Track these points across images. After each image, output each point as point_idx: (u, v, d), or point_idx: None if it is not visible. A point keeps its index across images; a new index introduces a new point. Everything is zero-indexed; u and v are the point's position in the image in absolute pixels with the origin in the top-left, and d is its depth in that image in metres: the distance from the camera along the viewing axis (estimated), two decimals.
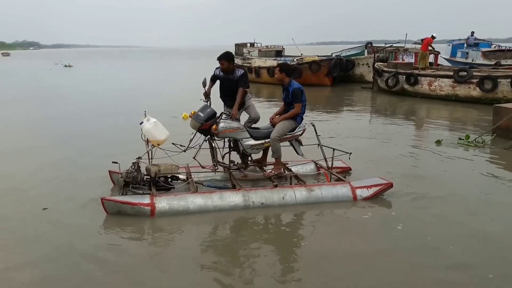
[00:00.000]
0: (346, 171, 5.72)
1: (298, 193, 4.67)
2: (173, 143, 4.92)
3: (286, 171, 5.29)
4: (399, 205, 4.68)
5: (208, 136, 5.00)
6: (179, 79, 24.61)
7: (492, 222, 4.24)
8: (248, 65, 21.91)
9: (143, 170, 4.83)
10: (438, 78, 13.36)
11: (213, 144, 5.05)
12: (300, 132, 5.17)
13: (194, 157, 4.86)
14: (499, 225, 4.17)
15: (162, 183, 4.86)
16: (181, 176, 5.09)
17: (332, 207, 4.60)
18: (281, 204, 4.62)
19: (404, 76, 14.13)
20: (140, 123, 4.84)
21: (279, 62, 5.18)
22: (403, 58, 17.92)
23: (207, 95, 5.22)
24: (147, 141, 4.82)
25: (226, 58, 5.18)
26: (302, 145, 5.27)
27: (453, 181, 5.53)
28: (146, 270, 3.39)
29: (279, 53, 24.69)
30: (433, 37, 15.06)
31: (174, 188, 4.90)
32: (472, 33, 21.48)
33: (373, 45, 20.73)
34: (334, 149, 5.24)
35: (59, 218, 4.40)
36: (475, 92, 12.41)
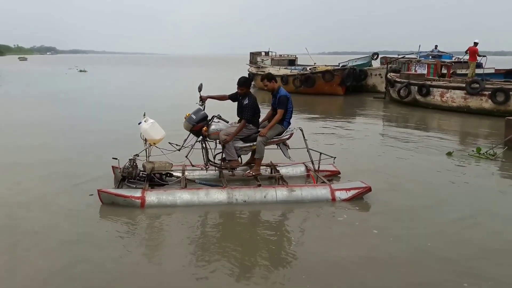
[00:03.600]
0: (335, 174, 6.11)
1: (279, 193, 5.14)
2: (169, 143, 5.45)
3: (274, 172, 5.90)
4: (384, 210, 4.98)
5: (201, 137, 5.53)
6: (186, 84, 25.43)
7: (492, 234, 4.36)
8: (262, 73, 22.51)
9: (140, 166, 5.47)
10: (450, 90, 13.65)
11: (204, 145, 5.56)
12: (287, 136, 5.65)
13: (186, 156, 5.43)
14: (499, 239, 4.26)
15: (156, 179, 5.46)
16: (175, 174, 5.72)
17: (310, 207, 5.02)
18: (263, 202, 5.10)
19: (416, 87, 14.45)
20: (139, 123, 5.44)
21: (266, 72, 5.71)
22: (416, 69, 18.30)
23: (202, 99, 5.66)
24: (145, 140, 5.43)
25: (244, 85, 5.64)
26: (289, 148, 5.75)
27: (454, 191, 5.74)
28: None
29: (292, 62, 25.29)
30: (476, 44, 15.37)
31: (167, 184, 5.48)
32: (436, 46, 23.89)
33: (386, 56, 21.17)
34: (320, 153, 5.73)
35: (64, 205, 5.06)
36: (487, 104, 12.68)
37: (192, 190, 5.21)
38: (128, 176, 5.38)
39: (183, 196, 5.08)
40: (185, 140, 5.51)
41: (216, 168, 5.73)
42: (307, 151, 5.70)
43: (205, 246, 4.11)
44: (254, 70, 24.54)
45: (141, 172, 5.48)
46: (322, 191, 5.19)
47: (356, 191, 5.19)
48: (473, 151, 7.70)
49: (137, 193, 5.02)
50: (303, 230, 4.59)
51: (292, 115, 5.73)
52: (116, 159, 5.43)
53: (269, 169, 6.07)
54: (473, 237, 4.31)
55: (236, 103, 5.79)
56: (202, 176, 5.89)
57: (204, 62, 74.86)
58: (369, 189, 5.24)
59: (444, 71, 17.75)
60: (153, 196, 5.03)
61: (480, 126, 11.37)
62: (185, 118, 5.44)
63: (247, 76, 5.14)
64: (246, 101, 5.58)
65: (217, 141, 5.61)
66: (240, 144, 5.57)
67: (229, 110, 6.11)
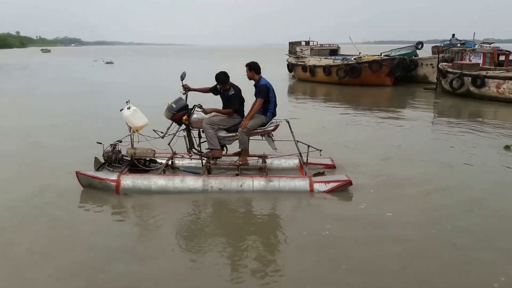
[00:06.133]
0: (330, 168, 6.40)
1: (256, 182, 5.47)
2: (153, 130, 5.92)
3: (263, 163, 6.24)
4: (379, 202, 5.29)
5: (184, 125, 5.94)
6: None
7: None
8: (303, 63, 23.29)
9: (124, 152, 6.02)
10: (507, 80, 13.86)
11: (188, 133, 6.02)
12: (271, 128, 5.93)
13: (168, 144, 5.89)
14: None
15: (139, 165, 5.94)
16: (159, 160, 6.25)
17: (286, 197, 5.40)
18: (239, 191, 5.44)
19: (470, 78, 14.76)
20: (121, 110, 5.94)
21: (252, 61, 6.13)
22: (470, 58, 18.59)
23: (185, 88, 6.08)
24: (130, 127, 5.94)
25: (225, 82, 5.94)
26: (274, 140, 6.04)
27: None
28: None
29: (334, 51, 25.95)
30: None
31: (151, 170, 5.98)
32: (453, 35, 27.11)
33: (437, 45, 21.49)
34: (308, 146, 6.02)
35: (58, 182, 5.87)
36: None
37: (168, 176, 5.65)
38: (107, 160, 5.91)
39: (158, 181, 5.46)
40: (168, 128, 5.95)
41: (199, 157, 6.12)
42: (295, 143, 5.95)
43: (159, 232, 4.55)
44: (293, 61, 25.35)
45: (123, 157, 6.04)
46: (300, 183, 5.47)
47: (336, 184, 5.44)
48: None
49: (113, 177, 5.48)
50: (273, 217, 5.02)
51: (275, 106, 6.00)
52: (101, 143, 5.90)
53: (260, 160, 6.34)
54: None
55: (218, 96, 6.18)
56: (192, 165, 6.30)
57: (240, 53, 75.34)
58: (349, 183, 5.50)
59: (502, 58, 17.90)
60: (128, 180, 5.45)
61: None
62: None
63: (224, 72, 5.71)
64: (232, 92, 5.94)
65: (201, 130, 6.00)
66: (223, 133, 5.94)
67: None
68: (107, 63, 44.23)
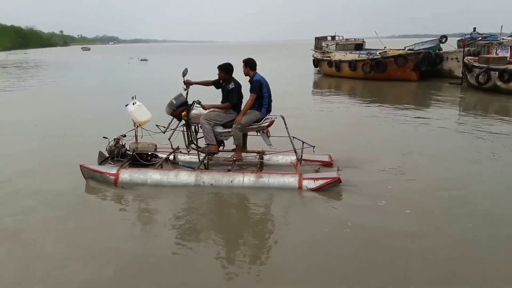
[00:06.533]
0: (326, 165, 6.43)
1: (246, 178, 5.63)
2: (156, 125, 6.17)
3: (260, 158, 6.35)
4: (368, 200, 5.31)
5: (183, 121, 6.07)
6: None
7: None
8: (328, 58, 23.17)
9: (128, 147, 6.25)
10: None
11: (187, 129, 6.13)
12: (266, 123, 5.95)
13: (169, 139, 6.09)
14: None
15: (139, 159, 6.15)
16: (160, 155, 6.46)
17: (275, 194, 5.52)
18: (229, 186, 5.61)
19: (497, 72, 14.30)
20: (126, 105, 6.16)
21: (248, 58, 6.17)
22: (497, 52, 17.97)
23: (186, 84, 6.13)
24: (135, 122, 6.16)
25: (222, 69, 6.07)
26: (270, 136, 6.05)
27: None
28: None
29: (359, 46, 25.61)
30: None
31: (152, 164, 6.18)
32: (474, 28, 27.97)
33: (463, 38, 20.88)
34: (303, 142, 6.06)
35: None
36: None
37: (163, 171, 5.90)
38: (111, 154, 6.19)
39: (154, 176, 5.76)
40: (169, 123, 6.17)
41: (198, 152, 6.25)
42: (290, 139, 5.98)
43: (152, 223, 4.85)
44: (319, 56, 25.24)
45: (126, 152, 6.26)
46: (289, 179, 5.58)
47: (324, 181, 5.50)
48: None
49: (113, 170, 5.81)
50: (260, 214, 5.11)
51: (269, 101, 6.02)
52: (106, 138, 6.23)
53: (258, 156, 6.45)
54: None
55: (220, 90, 6.27)
56: (193, 160, 6.51)
57: (264, 48, 75.32)
58: (338, 180, 5.51)
59: None
60: (126, 174, 5.78)
61: None
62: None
63: (230, 63, 5.81)
64: (231, 86, 6.01)
65: (199, 125, 6.13)
66: (220, 129, 6.02)
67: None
68: (141, 60, 45.54)
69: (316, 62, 25.26)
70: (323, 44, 26.99)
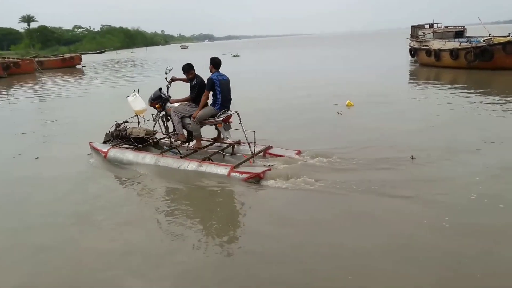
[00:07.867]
0: (279, 156, 6.71)
1: (190, 165, 6.40)
2: (152, 114, 7.38)
3: (233, 149, 7.11)
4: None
5: (163, 112, 7.18)
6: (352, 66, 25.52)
7: None
8: (426, 47, 21.60)
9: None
10: None
11: (163, 119, 7.28)
12: (221, 118, 6.55)
13: (153, 126, 7.34)
14: None
15: (134, 142, 7.23)
16: (162, 141, 7.52)
17: (210, 180, 6.07)
18: (176, 170, 6.44)
19: None
20: (127, 97, 7.47)
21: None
22: None
23: (170, 81, 7.23)
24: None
25: (188, 71, 6.95)
26: (231, 128, 6.69)
27: None
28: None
29: (459, 34, 23.69)
30: None
31: (138, 147, 7.19)
32: None
33: None
34: (254, 132, 6.48)
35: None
36: None
37: (136, 152, 7.02)
38: (111, 136, 7.48)
39: (128, 156, 6.99)
40: (156, 114, 7.31)
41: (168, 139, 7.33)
42: (244, 133, 6.46)
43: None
44: (415, 45, 23.70)
45: (125, 134, 7.41)
46: (222, 170, 6.17)
47: (247, 175, 5.95)
48: None
49: (105, 149, 7.24)
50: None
51: (223, 98, 6.54)
52: (127, 121, 7.60)
53: (231, 146, 7.15)
54: None
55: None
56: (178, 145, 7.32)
57: (358, 39, 73.02)
58: (257, 175, 5.86)
59: None
60: (112, 153, 7.15)
61: None
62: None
63: (189, 63, 7.00)
64: (194, 82, 6.94)
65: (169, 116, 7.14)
66: (188, 121, 6.89)
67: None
68: (234, 56, 46.49)
69: (413, 52, 23.69)
70: (420, 32, 25.20)
